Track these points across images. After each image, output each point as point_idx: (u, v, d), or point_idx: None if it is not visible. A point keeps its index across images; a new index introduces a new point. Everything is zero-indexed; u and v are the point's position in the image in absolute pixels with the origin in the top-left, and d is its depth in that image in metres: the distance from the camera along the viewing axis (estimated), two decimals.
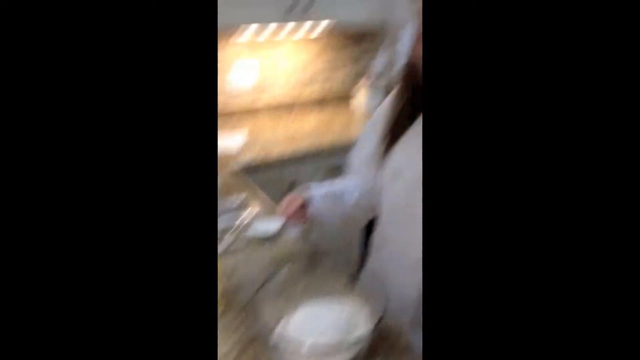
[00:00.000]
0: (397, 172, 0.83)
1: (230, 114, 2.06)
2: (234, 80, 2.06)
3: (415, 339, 0.85)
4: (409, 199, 0.81)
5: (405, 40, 0.72)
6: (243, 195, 1.22)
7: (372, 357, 0.66)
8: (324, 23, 2.04)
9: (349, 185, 0.96)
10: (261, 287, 0.70)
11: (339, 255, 1.92)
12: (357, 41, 2.34)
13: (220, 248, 0.92)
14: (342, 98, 2.42)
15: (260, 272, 0.88)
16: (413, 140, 0.80)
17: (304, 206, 0.87)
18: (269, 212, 1.14)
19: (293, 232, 0.82)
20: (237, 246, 0.97)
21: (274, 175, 1.69)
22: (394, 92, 0.89)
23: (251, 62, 2.08)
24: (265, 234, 0.91)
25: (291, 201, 0.87)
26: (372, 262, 0.98)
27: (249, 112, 2.14)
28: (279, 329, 0.69)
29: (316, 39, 2.22)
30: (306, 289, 0.77)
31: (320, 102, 2.36)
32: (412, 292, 0.83)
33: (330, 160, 1.76)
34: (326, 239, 0.88)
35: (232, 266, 0.90)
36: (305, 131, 1.95)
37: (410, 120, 0.81)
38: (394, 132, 0.84)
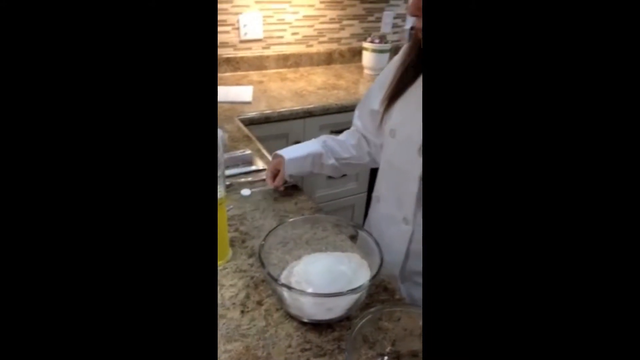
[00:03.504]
0: (393, 130, 0.88)
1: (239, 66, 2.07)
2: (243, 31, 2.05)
3: (403, 291, 0.90)
4: (401, 157, 0.86)
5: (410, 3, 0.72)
6: (248, 151, 1.24)
7: (370, 306, 0.70)
8: None
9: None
10: (267, 235, 0.74)
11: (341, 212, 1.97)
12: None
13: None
14: (349, 56, 2.40)
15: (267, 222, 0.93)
16: (410, 100, 0.84)
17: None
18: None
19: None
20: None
21: (277, 131, 1.70)
22: (399, 53, 0.91)
23: (257, 15, 2.05)
24: None
25: None
26: (371, 215, 1.04)
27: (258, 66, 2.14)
28: (283, 277, 0.73)
29: None
30: (309, 241, 0.81)
31: (327, 60, 2.34)
32: (401, 246, 0.88)
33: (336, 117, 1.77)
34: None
35: (240, 214, 0.95)
36: (311, 88, 1.95)
37: (412, 80, 0.84)
38: (395, 92, 0.87)
